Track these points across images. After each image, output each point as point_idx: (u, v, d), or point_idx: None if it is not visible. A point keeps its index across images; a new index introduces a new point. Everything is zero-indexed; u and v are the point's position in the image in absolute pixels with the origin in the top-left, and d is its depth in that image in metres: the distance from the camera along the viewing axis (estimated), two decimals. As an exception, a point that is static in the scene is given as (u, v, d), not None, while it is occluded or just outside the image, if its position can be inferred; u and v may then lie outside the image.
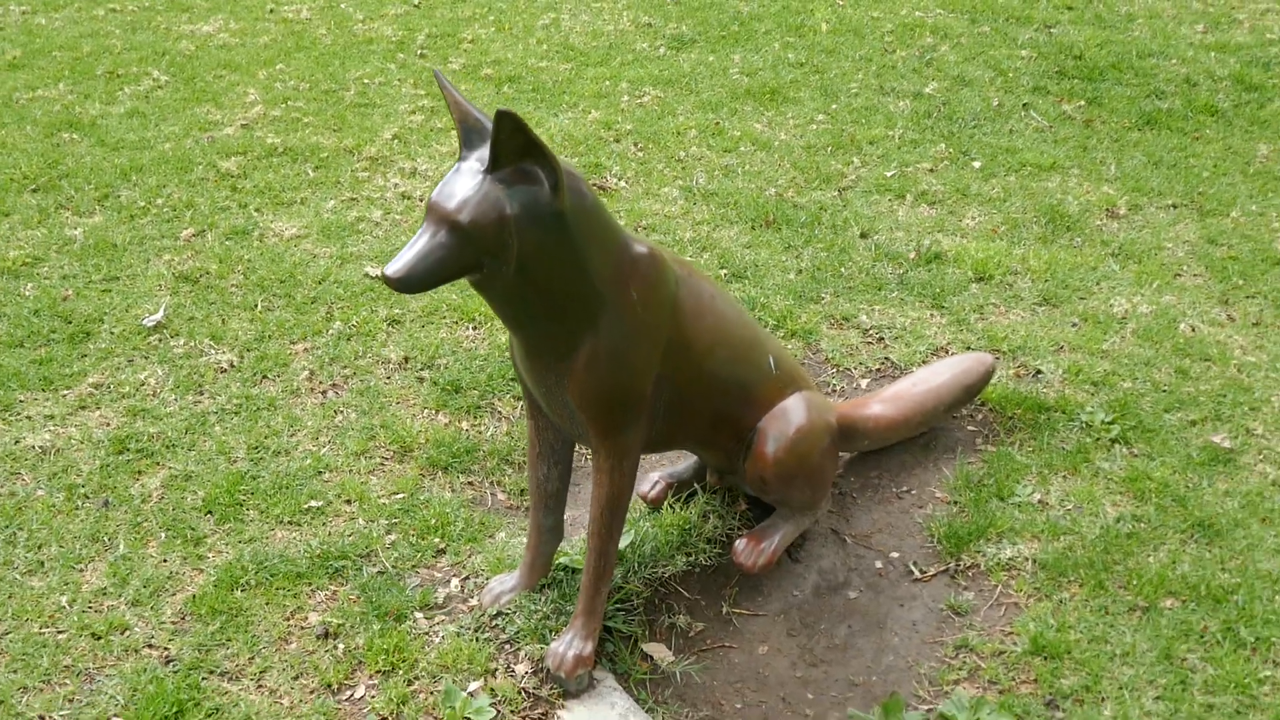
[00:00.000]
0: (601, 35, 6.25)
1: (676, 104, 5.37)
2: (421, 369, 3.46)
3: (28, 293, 3.80)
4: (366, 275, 3.91)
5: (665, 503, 2.94)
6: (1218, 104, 5.37)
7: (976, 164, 4.79)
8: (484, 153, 2.09)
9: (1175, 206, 4.48)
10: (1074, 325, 3.68)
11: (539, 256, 2.10)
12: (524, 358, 2.35)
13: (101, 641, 2.53)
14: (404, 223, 4.26)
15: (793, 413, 2.67)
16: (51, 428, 3.18)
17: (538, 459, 2.57)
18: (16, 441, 3.12)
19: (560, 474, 2.58)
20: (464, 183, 2.07)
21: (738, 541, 2.77)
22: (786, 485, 2.71)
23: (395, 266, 2.05)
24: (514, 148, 2.03)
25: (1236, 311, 3.77)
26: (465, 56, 5.92)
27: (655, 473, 3.00)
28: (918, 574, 2.86)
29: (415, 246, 2.07)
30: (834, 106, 5.33)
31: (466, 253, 2.06)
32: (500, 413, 3.30)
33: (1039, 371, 3.44)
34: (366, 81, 5.58)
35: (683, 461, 3.05)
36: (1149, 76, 5.65)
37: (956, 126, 5.14)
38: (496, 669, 2.48)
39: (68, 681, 2.44)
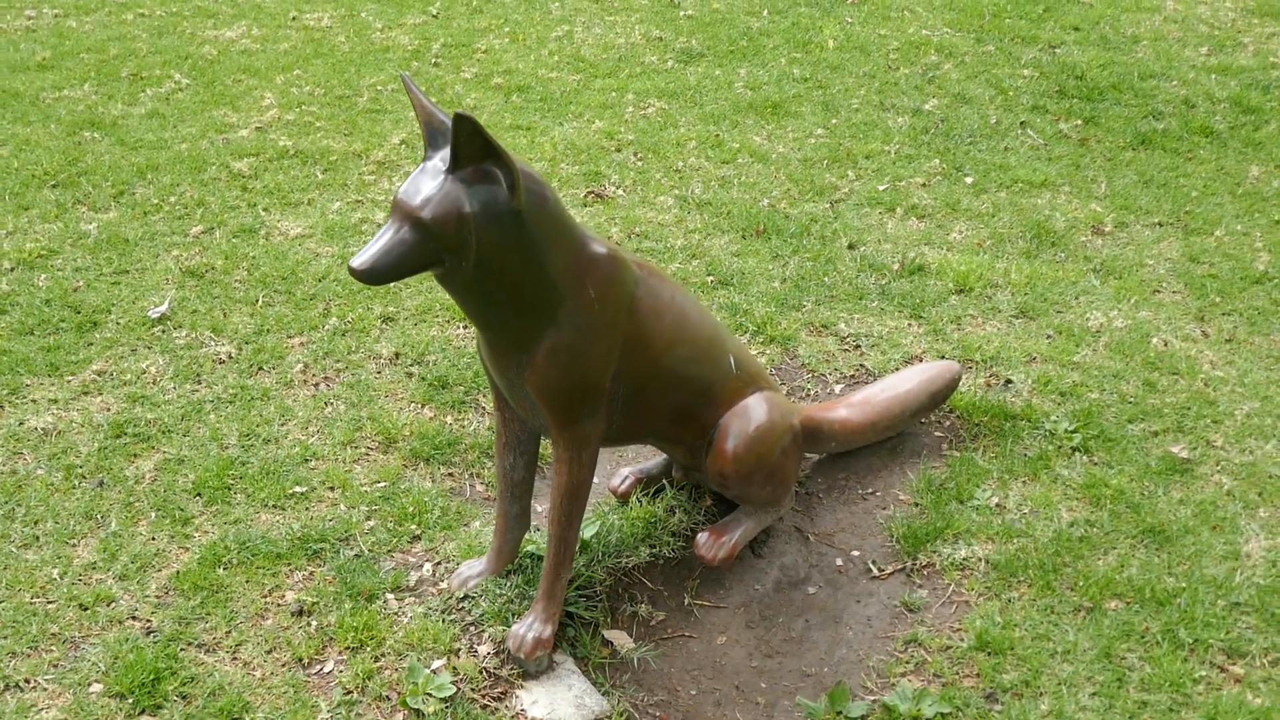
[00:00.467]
0: (612, 48, 6.38)
1: (679, 116, 5.49)
2: (411, 364, 3.59)
3: (41, 283, 3.96)
4: (365, 274, 4.04)
5: (633, 496, 3.06)
6: (1214, 125, 5.44)
7: (969, 179, 4.89)
8: (447, 153, 2.21)
9: (1161, 225, 4.57)
10: (1048, 337, 3.77)
11: (497, 253, 2.22)
12: (488, 351, 2.47)
13: (88, 612, 2.67)
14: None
15: (753, 411, 2.78)
16: (55, 411, 3.33)
17: (504, 449, 2.69)
18: (20, 423, 3.27)
19: (526, 463, 2.70)
20: (427, 182, 2.19)
21: (700, 534, 2.88)
22: (746, 482, 2.82)
23: (360, 260, 2.18)
24: (472, 149, 2.15)
25: (1211, 328, 3.86)
26: (478, 66, 6.07)
27: (626, 468, 3.12)
28: (876, 572, 2.96)
29: (380, 241, 2.20)
30: (834, 121, 5.44)
31: (427, 248, 2.18)
32: (484, 408, 3.42)
33: (1009, 381, 3.54)
34: (380, 88, 5.73)
35: (652, 458, 3.17)
36: (1148, 97, 5.74)
37: (953, 143, 5.24)
38: (460, 649, 2.60)
39: (54, 648, 2.58)
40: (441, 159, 2.22)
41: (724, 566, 2.88)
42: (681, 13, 6.96)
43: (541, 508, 3.04)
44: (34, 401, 3.37)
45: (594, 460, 2.57)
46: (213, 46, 6.30)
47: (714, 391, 2.76)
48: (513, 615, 2.66)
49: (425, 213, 2.16)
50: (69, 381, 3.47)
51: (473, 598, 2.71)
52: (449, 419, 3.37)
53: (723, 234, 4.42)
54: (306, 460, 3.18)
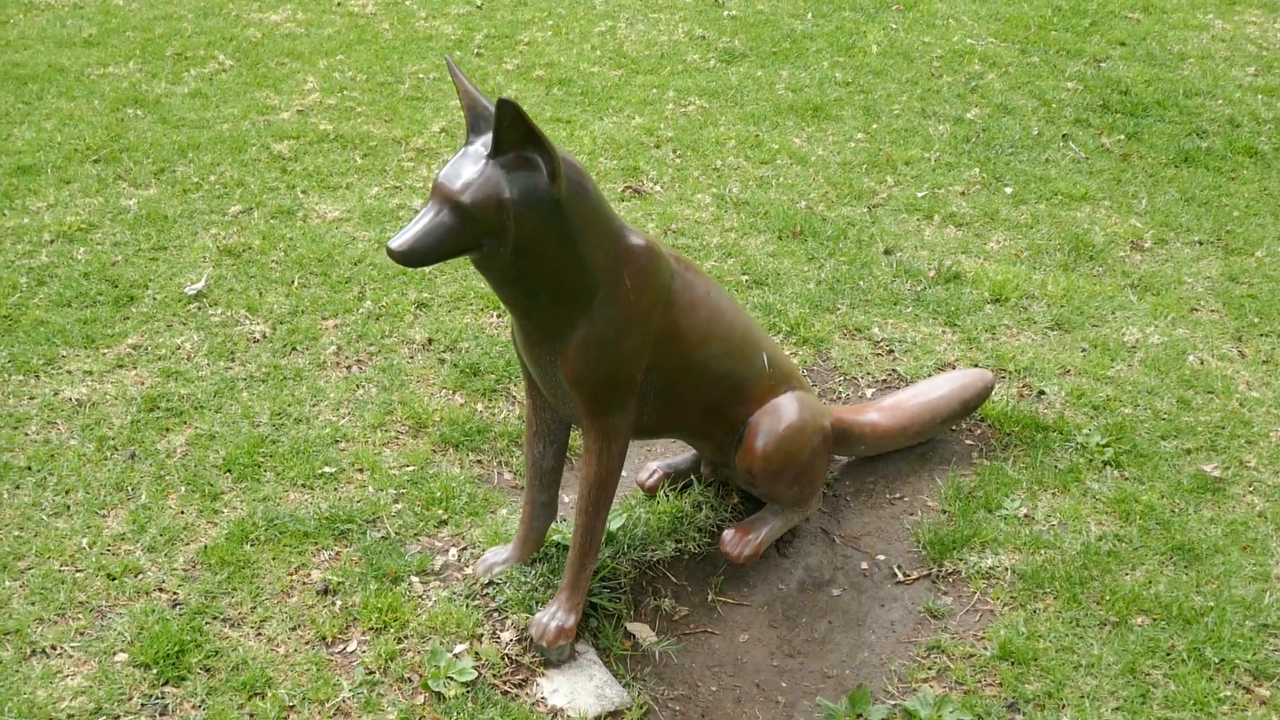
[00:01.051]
0: (655, 45, 6.38)
1: (720, 115, 5.49)
2: (444, 351, 3.60)
3: (80, 256, 3.99)
4: (401, 260, 4.05)
5: (660, 490, 3.06)
6: (1258, 146, 5.40)
7: (1008, 190, 4.86)
8: (489, 138, 2.21)
9: (1201, 243, 4.53)
10: (1083, 351, 3.75)
11: (535, 240, 2.22)
12: (522, 338, 2.47)
13: (116, 582, 2.69)
14: (442, 213, 4.41)
15: (784, 410, 2.77)
16: (89, 383, 3.35)
17: (535, 437, 2.69)
18: (55, 394, 3.30)
19: (555, 452, 2.70)
20: (468, 166, 2.20)
21: (726, 531, 2.88)
22: (774, 480, 2.81)
23: (399, 241, 2.19)
24: (514, 135, 2.15)
25: (1248, 348, 3.83)
26: (520, 58, 6.08)
27: (654, 462, 3.12)
28: (900, 577, 2.95)
29: (419, 223, 2.20)
30: (874, 126, 5.42)
31: (466, 232, 2.19)
32: (514, 397, 3.43)
33: (1042, 392, 3.52)
34: (421, 76, 5.75)
35: (681, 453, 3.16)
36: (1193, 115, 5.69)
37: (993, 153, 5.21)
38: (483, 634, 2.61)
39: (80, 616, 2.60)
40: (483, 144, 2.23)
41: (749, 564, 2.88)
42: (725, 12, 6.95)
43: (568, 498, 3.04)
44: (69, 373, 3.40)
45: (623, 452, 2.57)
46: (257, 29, 6.34)
47: (746, 388, 2.75)
48: (536, 603, 2.66)
49: (465, 196, 2.17)
50: (104, 354, 3.49)
51: (497, 584, 2.71)
52: (479, 406, 3.38)
53: (759, 234, 4.41)
54: (336, 441, 3.19)
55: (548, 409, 2.65)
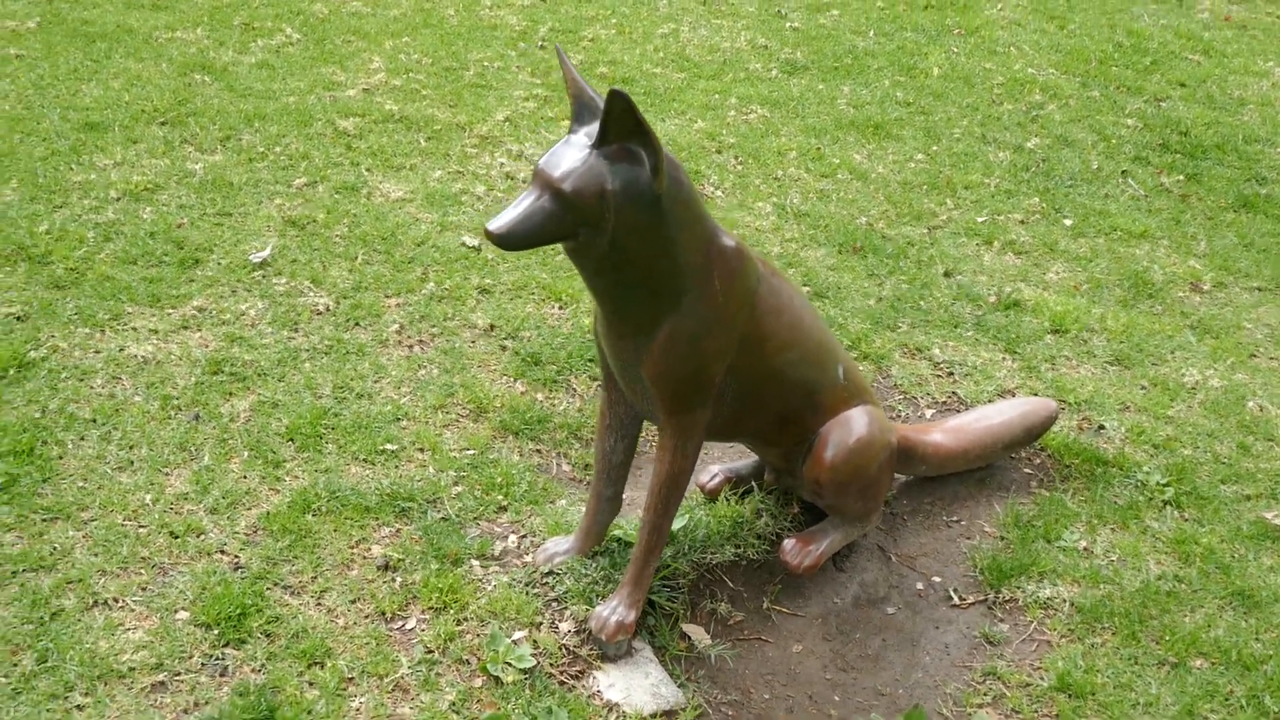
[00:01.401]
0: (717, 50, 6.38)
1: (781, 125, 5.48)
2: (505, 338, 3.60)
3: (145, 216, 3.99)
4: (464, 244, 4.06)
5: (721, 495, 3.05)
6: (1319, 198, 5.38)
7: (1068, 221, 4.85)
8: (593, 128, 2.22)
9: (1261, 290, 4.51)
10: (1143, 388, 3.74)
11: (632, 233, 2.22)
12: (606, 329, 2.47)
13: (178, 540, 2.69)
14: (505, 200, 4.41)
15: (855, 423, 2.76)
16: (155, 341, 3.35)
17: (606, 430, 2.68)
18: (121, 349, 3.30)
19: (626, 448, 2.69)
20: (571, 154, 2.20)
21: (786, 541, 2.87)
22: (840, 493, 2.80)
23: (498, 223, 2.19)
24: (622, 127, 2.15)
25: (1307, 399, 3.81)
26: (584, 54, 6.08)
27: (715, 465, 3.11)
28: (956, 600, 2.94)
29: (519, 207, 2.20)
30: (935, 148, 5.41)
31: (565, 219, 2.19)
32: (575, 390, 3.42)
33: (1102, 427, 3.51)
34: (486, 64, 5.75)
35: (743, 459, 3.16)
36: (1252, 161, 5.67)
37: (1053, 183, 5.20)
38: (542, 623, 2.60)
39: (143, 572, 2.60)
40: (587, 134, 2.23)
41: (807, 575, 2.86)
42: (787, 24, 6.95)
43: (628, 494, 3.04)
44: (134, 329, 3.40)
45: (697, 451, 2.56)
46: (324, 5, 6.34)
47: (819, 398, 2.74)
48: (596, 596, 2.65)
49: (567, 184, 2.17)
50: (169, 314, 3.49)
51: (557, 574, 2.71)
52: (539, 396, 3.37)
53: (819, 246, 4.40)
54: (398, 419, 3.18)
55: (622, 403, 2.65)
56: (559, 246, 2.49)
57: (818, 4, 7.38)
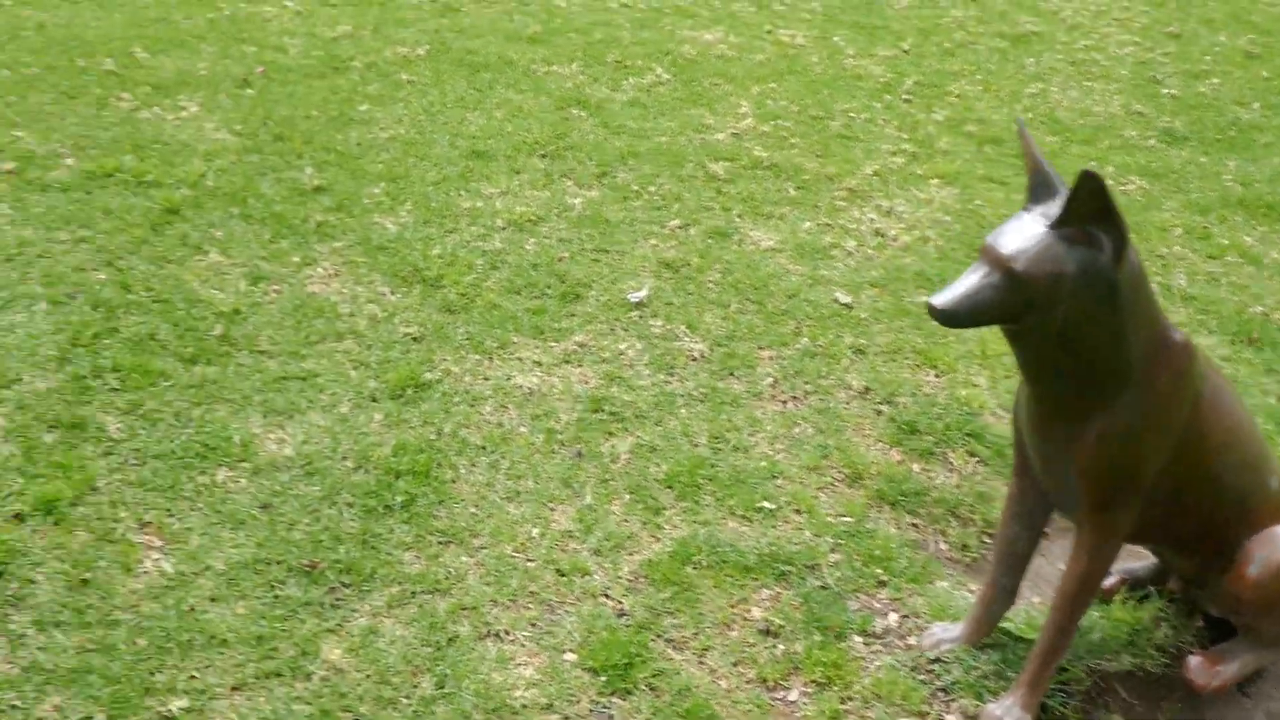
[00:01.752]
0: (1089, 115, 6.10)
1: (1163, 199, 5.17)
2: (880, 403, 3.50)
3: (529, 247, 4.11)
4: (836, 300, 3.99)
5: (1117, 597, 2.85)
6: None
7: None
8: (1050, 208, 2.14)
9: None
10: None
11: (1083, 320, 2.11)
12: (1033, 414, 2.34)
13: (565, 579, 2.71)
14: (876, 257, 4.32)
15: (1287, 541, 2.52)
16: (539, 374, 3.43)
17: (1012, 518, 2.55)
18: (508, 378, 3.39)
19: (1031, 538, 2.55)
20: (1025, 232, 2.11)
21: (1192, 657, 2.64)
22: (1261, 613, 2.56)
23: (943, 298, 2.11)
24: (1089, 209, 2.05)
25: None
26: (949, 110, 5.93)
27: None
28: (1380, 747, 2.63)
29: (965, 283, 2.12)
30: (1338, 235, 4.98)
31: (1013, 300, 2.09)
32: (952, 464, 3.29)
33: None
34: (852, 115, 5.69)
35: (1140, 561, 2.94)
36: None
37: None
38: (929, 713, 2.48)
39: (531, 607, 2.63)
40: (1043, 212, 2.14)
41: (1215, 696, 2.63)
42: (1164, 90, 6.58)
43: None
44: (519, 360, 3.49)
45: (1115, 554, 2.40)
46: (691, 46, 6.44)
47: (1249, 507, 2.52)
48: (986, 691, 2.51)
49: (1019, 264, 2.08)
50: (552, 347, 3.57)
51: (944, 662, 2.58)
52: (916, 466, 3.26)
53: (1209, 333, 4.10)
54: (773, 477, 3.13)
55: (1034, 493, 2.50)
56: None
57: (1196, 70, 6.97)
